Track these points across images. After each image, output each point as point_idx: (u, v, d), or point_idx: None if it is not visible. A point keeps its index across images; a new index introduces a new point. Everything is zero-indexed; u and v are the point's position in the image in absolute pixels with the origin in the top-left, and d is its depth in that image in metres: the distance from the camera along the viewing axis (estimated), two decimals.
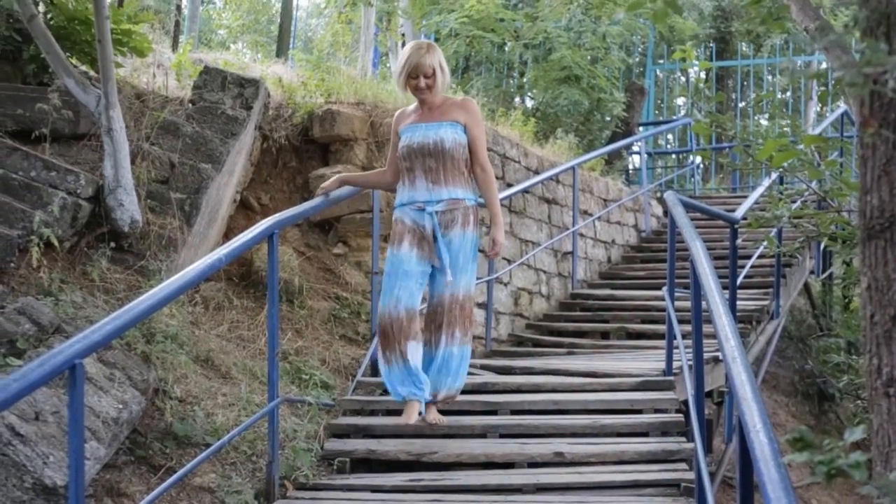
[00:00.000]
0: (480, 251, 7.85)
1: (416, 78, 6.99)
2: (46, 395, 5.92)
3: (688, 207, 7.93)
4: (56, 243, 7.83)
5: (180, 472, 5.73)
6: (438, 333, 7.06)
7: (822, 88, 22.38)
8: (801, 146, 7.23)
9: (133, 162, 8.64)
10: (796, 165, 7.54)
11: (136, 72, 10.83)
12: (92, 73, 9.93)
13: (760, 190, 12.18)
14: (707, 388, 8.39)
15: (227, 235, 9.77)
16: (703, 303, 6.08)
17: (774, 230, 10.73)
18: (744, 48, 23.01)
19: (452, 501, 6.52)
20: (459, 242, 7.01)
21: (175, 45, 14.97)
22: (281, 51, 19.39)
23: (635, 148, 19.78)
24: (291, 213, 7.30)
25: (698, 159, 20.64)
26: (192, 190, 8.94)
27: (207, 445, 6.76)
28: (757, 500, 3.90)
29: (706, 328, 6.64)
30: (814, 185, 8.60)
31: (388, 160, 7.43)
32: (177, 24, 16.93)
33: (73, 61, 9.62)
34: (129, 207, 8.32)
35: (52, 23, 9.53)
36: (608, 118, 18.37)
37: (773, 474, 3.12)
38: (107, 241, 8.31)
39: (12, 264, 7.59)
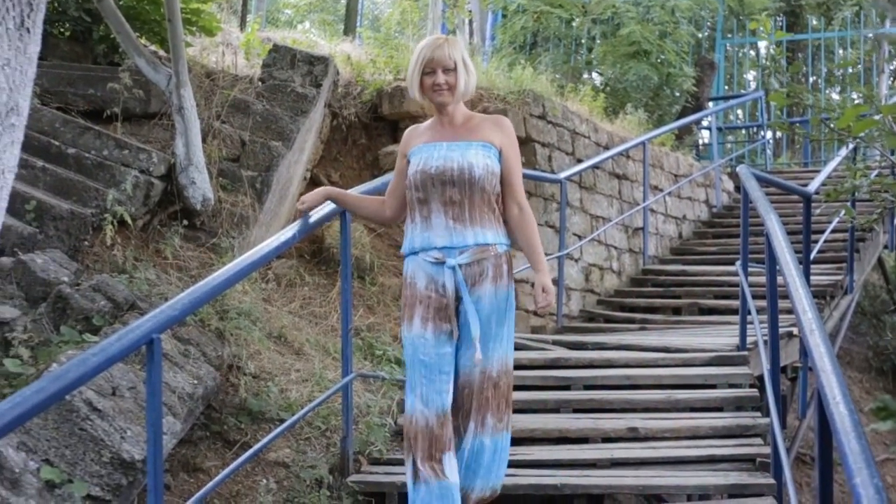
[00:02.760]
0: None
1: (431, 73, 5.23)
2: (123, 370, 5.96)
3: (761, 181, 7.82)
4: (129, 221, 7.88)
5: (255, 447, 5.74)
6: (466, 421, 5.28)
7: None
8: (879, 116, 7.11)
9: (204, 140, 8.67)
10: (873, 136, 7.42)
11: (205, 51, 10.87)
12: (161, 52, 9.97)
13: (833, 164, 12.00)
14: (781, 364, 8.32)
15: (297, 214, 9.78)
16: (778, 277, 6.02)
17: (850, 202, 10.58)
18: (814, 21, 22.72)
19: (526, 476, 6.51)
20: (491, 303, 5.21)
21: (243, 24, 15.01)
22: (348, 29, 19.39)
23: (705, 123, 19.60)
24: (365, 189, 7.21)
25: (769, 134, 20.40)
26: (262, 168, 8.96)
27: (281, 421, 6.78)
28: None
29: (780, 303, 6.57)
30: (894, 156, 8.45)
31: (389, 189, 5.64)
32: (244, 3, 16.98)
33: (143, 41, 9.66)
34: (200, 185, 8.35)
35: (121, 3, 9.57)
36: (678, 93, 18.19)
37: (853, 445, 3.07)
38: (179, 218, 8.35)
39: (86, 242, 7.64)
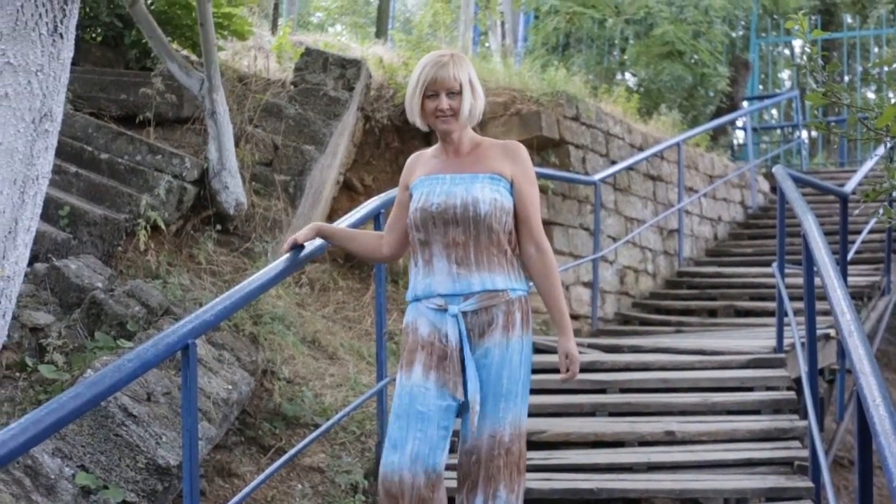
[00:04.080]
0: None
1: (434, 96, 4.53)
2: (157, 376, 5.95)
3: (797, 182, 7.75)
4: (163, 226, 7.88)
5: (290, 452, 5.72)
6: (473, 495, 4.51)
7: None
8: None
9: (237, 144, 8.67)
10: None
11: (237, 55, 10.88)
12: (193, 57, 9.99)
13: (870, 163, 11.91)
14: (818, 366, 8.26)
15: (331, 217, 9.78)
16: (816, 278, 5.96)
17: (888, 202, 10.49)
18: (849, 20, 22.58)
19: (562, 480, 6.47)
20: (501, 355, 4.50)
21: (274, 27, 15.02)
22: (380, 32, 19.38)
23: (740, 123, 19.50)
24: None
25: (804, 134, 20.28)
26: (295, 172, 8.95)
27: (316, 426, 6.77)
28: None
29: (817, 304, 6.52)
30: None
31: (388, 223, 4.94)
32: (275, 6, 16.99)
33: (175, 46, 9.68)
34: (233, 190, 8.35)
35: (153, 7, 9.60)
36: (712, 93, 18.12)
37: (894, 448, 3.02)
38: (212, 223, 8.36)
39: (120, 248, 7.66)
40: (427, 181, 4.64)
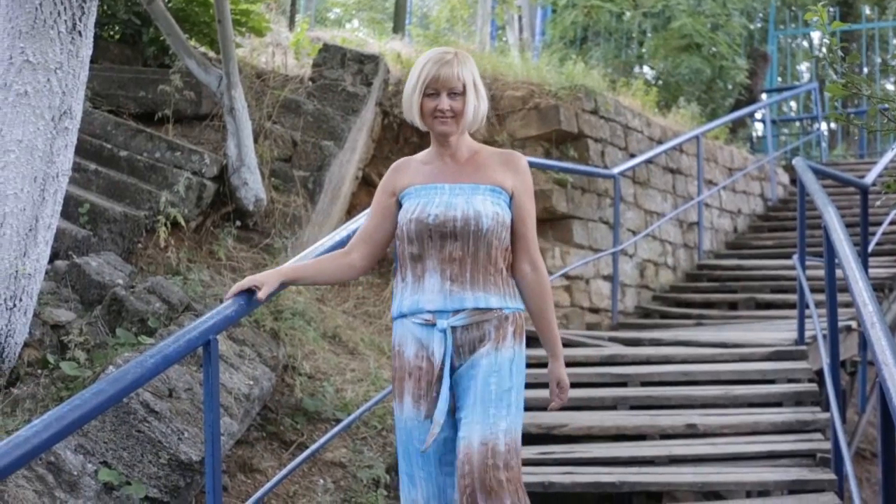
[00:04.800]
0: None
1: (434, 95, 4.16)
2: (179, 372, 5.96)
3: (817, 174, 7.73)
4: (182, 223, 7.90)
5: (312, 447, 5.72)
6: None
7: None
8: None
9: (256, 141, 8.68)
10: None
11: (255, 51, 10.89)
12: (211, 53, 10.00)
13: (890, 154, 11.86)
14: (840, 358, 8.24)
15: (350, 212, 9.79)
16: (837, 270, 5.94)
17: None
18: (867, 11, 22.48)
19: (584, 473, 6.47)
20: (489, 364, 4.08)
21: (291, 23, 15.03)
22: (397, 27, 19.37)
23: (759, 115, 19.44)
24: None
25: (824, 126, 20.21)
26: (314, 167, 8.96)
27: (337, 421, 6.77)
28: None
29: (839, 296, 6.50)
30: None
31: (362, 233, 4.41)
32: (293, 2, 16.99)
33: (193, 43, 9.70)
34: (253, 186, 8.36)
35: (171, 5, 9.61)
36: (731, 86, 18.06)
37: None
38: (232, 219, 8.37)
39: (140, 245, 7.67)
40: (423, 190, 4.23)
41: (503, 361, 4.09)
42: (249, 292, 4.36)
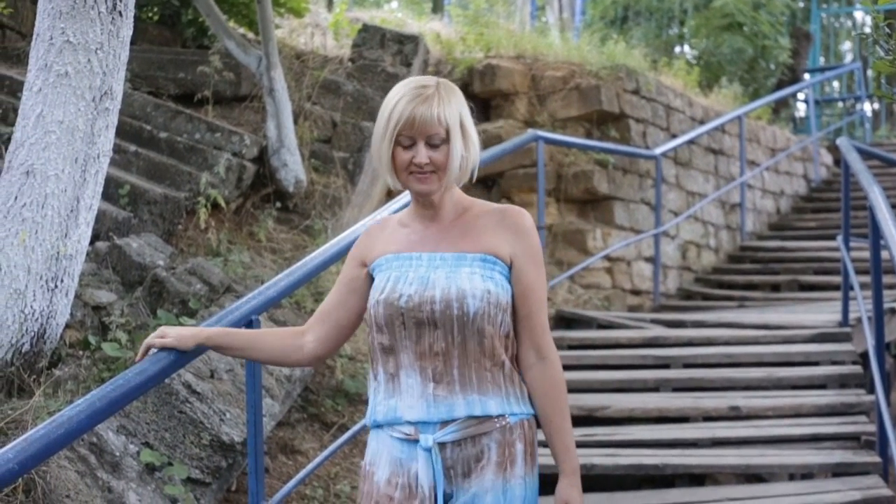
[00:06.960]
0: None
1: (409, 146, 3.15)
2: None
3: (862, 154, 7.64)
4: (223, 204, 7.89)
5: (353, 428, 5.70)
6: None
7: None
8: None
9: (295, 122, 8.66)
10: None
11: (294, 32, 10.87)
12: (250, 34, 9.99)
13: None
14: (885, 340, 8.17)
15: (390, 194, 9.75)
16: (882, 251, 5.87)
17: None
18: None
19: (627, 455, 6.42)
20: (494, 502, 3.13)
21: (330, 4, 15.02)
22: (437, 7, 19.35)
23: (801, 96, 19.28)
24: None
25: (867, 106, 20.00)
26: (354, 148, 8.93)
27: None
28: None
29: (884, 278, 6.43)
30: None
31: (321, 310, 3.43)
32: None
33: (231, 23, 9.68)
34: (292, 167, 8.34)
35: None
36: (773, 65, 17.90)
37: None
38: (272, 201, 8.36)
39: (180, 226, 7.67)
40: (395, 261, 3.24)
41: (513, 500, 3.15)
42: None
